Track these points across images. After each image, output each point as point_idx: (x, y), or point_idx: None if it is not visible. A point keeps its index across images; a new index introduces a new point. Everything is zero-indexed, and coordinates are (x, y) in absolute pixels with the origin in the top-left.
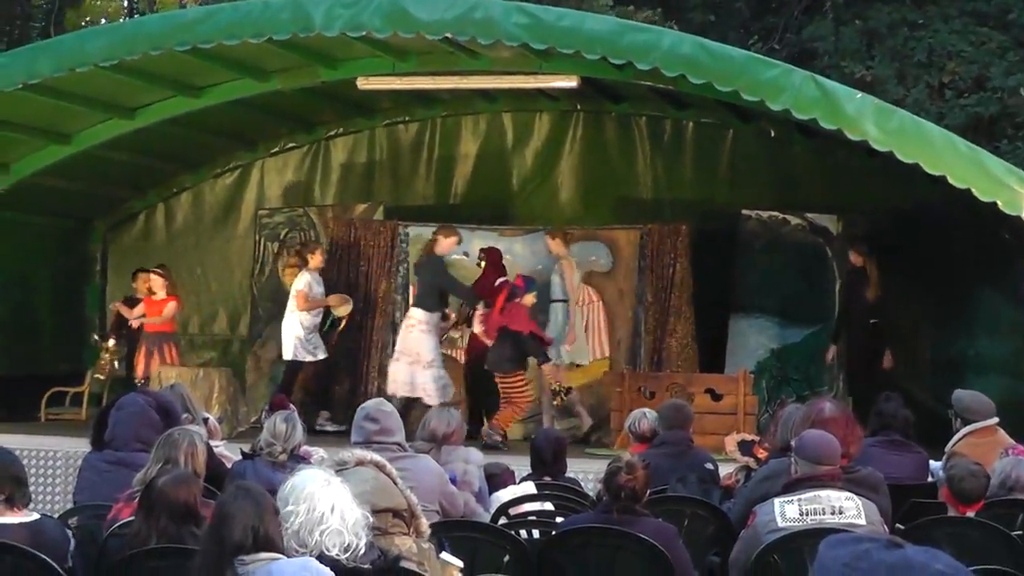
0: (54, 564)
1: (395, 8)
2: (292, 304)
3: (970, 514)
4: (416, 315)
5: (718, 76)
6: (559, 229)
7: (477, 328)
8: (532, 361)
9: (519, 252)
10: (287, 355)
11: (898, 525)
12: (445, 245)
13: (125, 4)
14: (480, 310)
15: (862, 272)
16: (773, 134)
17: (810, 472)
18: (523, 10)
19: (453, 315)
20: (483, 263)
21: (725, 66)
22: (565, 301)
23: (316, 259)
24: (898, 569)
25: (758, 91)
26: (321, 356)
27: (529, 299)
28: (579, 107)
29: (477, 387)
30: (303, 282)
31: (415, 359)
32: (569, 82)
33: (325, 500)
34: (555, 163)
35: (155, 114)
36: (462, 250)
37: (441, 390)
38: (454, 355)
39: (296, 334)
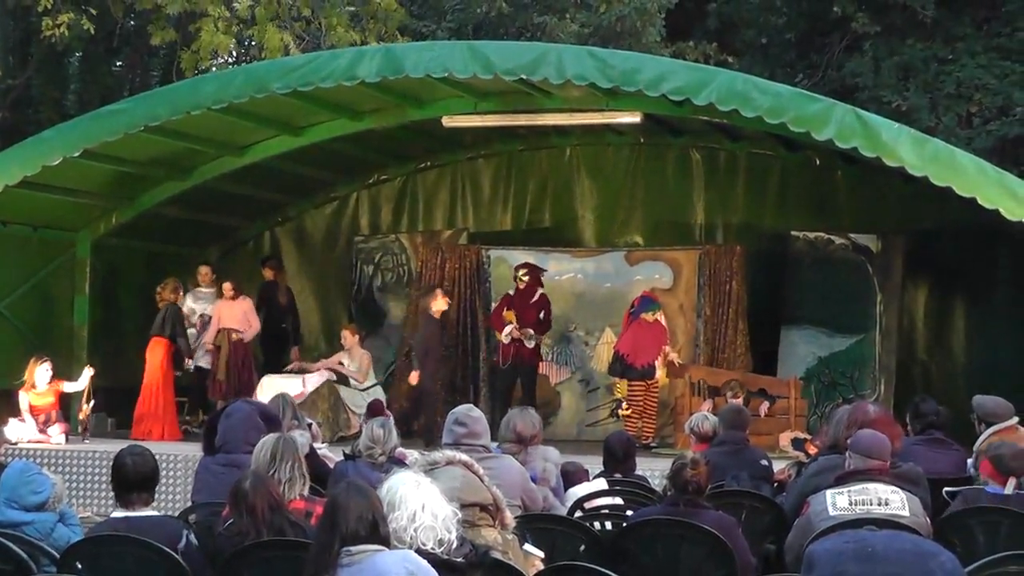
0: (168, 550)
1: (475, 53)
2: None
3: (1009, 488)
4: None
5: (768, 110)
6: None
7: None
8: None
9: (590, 271)
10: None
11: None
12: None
13: (232, 50)
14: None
15: None
16: (818, 162)
17: (861, 466)
18: (591, 54)
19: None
20: (527, 278)
21: (774, 101)
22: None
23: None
24: (893, 537)
25: (804, 123)
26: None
27: (648, 317)
28: (642, 140)
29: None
30: None
31: None
32: (633, 117)
33: (416, 500)
34: (621, 191)
35: (262, 151)
36: None
37: None
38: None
39: None
